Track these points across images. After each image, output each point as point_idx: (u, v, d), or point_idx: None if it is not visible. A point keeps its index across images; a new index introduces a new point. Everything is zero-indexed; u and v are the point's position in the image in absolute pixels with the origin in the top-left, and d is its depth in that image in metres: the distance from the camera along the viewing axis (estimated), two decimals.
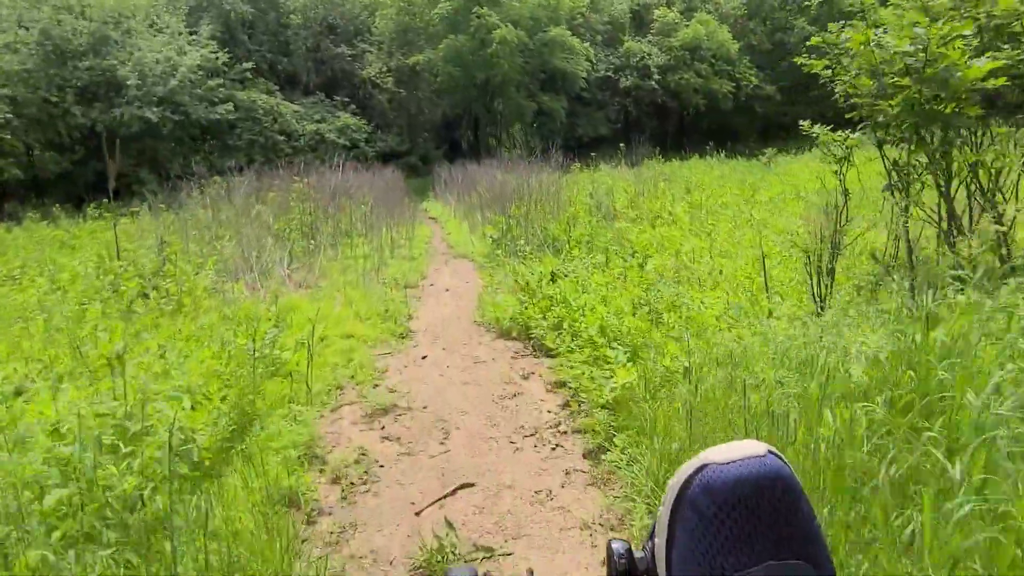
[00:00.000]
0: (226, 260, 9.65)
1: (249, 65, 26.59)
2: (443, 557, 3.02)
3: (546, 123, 29.30)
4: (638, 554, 0.59)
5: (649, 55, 32.44)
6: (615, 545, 0.59)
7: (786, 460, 0.55)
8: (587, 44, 30.43)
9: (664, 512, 0.55)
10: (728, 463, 0.53)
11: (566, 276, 7.18)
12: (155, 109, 23.48)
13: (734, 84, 33.50)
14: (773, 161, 26.24)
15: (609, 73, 31.64)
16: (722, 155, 27.74)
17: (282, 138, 26.45)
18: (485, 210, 14.21)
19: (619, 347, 5.03)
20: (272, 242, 10.44)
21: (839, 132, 5.89)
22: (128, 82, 23.17)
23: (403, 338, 6.64)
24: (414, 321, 7.20)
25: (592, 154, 23.94)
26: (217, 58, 25.55)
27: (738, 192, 17.41)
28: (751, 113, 35.25)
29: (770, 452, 0.54)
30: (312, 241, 10.75)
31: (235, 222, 11.81)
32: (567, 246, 9.21)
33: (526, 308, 6.52)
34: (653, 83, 31.89)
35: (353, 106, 29.15)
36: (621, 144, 23.09)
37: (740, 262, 7.98)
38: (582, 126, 31.03)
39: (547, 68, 28.74)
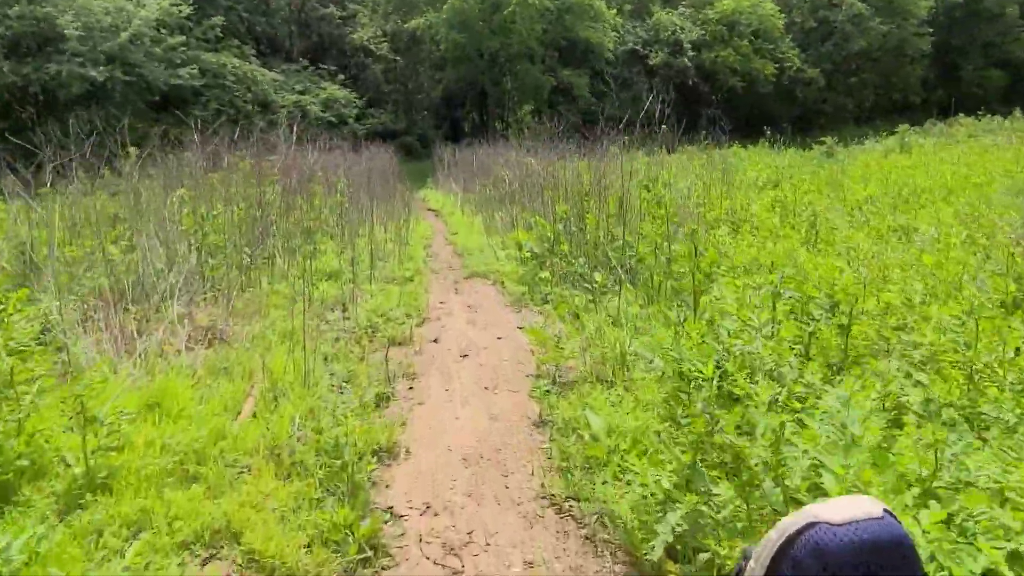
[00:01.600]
0: (97, 282, 5.80)
1: (219, 21, 22.52)
2: None
3: (563, 102, 25.43)
4: None
5: (682, 29, 28.46)
6: None
7: (900, 520, 0.49)
8: (613, 12, 26.46)
9: (758, 568, 0.49)
10: (843, 524, 0.48)
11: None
12: (101, 68, 19.46)
13: (776, 65, 29.57)
14: (833, 151, 22.44)
15: (637, 47, 27.66)
16: (765, 143, 23.99)
17: (256, 109, 22.43)
18: (509, 204, 10.37)
19: None
20: (188, 251, 6.57)
21: None
22: (68, 33, 19.12)
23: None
24: (400, 478, 3.25)
25: (624, 138, 20.05)
26: (180, 12, 21.51)
27: (817, 187, 13.62)
28: (790, 98, 31.37)
29: (886, 512, 0.50)
30: (249, 254, 6.85)
31: (145, 215, 7.94)
32: (663, 277, 5.38)
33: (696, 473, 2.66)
34: (686, 60, 27.94)
35: (342, 77, 25.13)
36: (662, 126, 19.20)
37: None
38: (606, 107, 27.08)
39: (569, 37, 24.77)
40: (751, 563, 0.53)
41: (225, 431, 3.37)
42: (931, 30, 33.60)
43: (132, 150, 9.60)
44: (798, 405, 2.88)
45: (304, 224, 9.26)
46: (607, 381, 3.95)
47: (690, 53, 28.06)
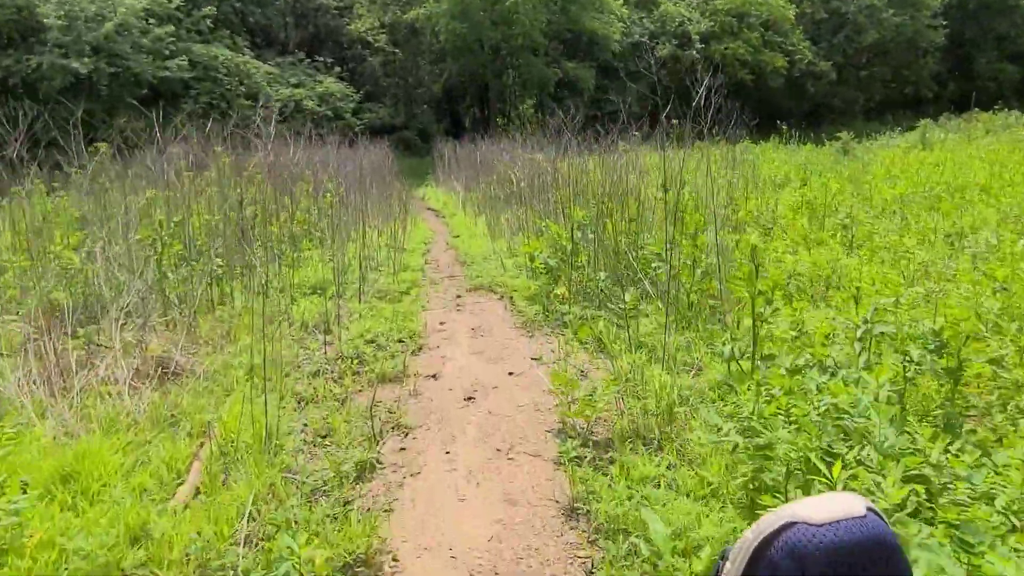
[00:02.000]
0: (42, 300, 4.95)
1: (210, 11, 21.60)
2: None
3: (568, 96, 24.51)
4: None
5: (689, 20, 27.52)
6: None
7: (884, 517, 0.47)
8: (619, 2, 25.53)
9: (733, 570, 0.47)
10: (822, 524, 0.45)
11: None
12: (85, 60, 18.55)
13: (787, 58, 28.64)
14: (849, 147, 21.53)
15: (644, 39, 26.71)
16: (777, 139, 23.06)
17: (248, 103, 21.51)
18: (515, 205, 9.51)
19: None
20: (145, 264, 5.69)
21: None
22: (49, 23, 18.22)
23: None
24: None
25: (634, 133, 19.15)
26: (170, 1, 20.61)
27: (840, 186, 12.78)
28: (800, 92, 30.42)
29: (869, 510, 0.47)
30: (222, 265, 5.97)
31: (112, 219, 7.09)
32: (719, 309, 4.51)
33: None
34: (694, 52, 27.00)
35: (339, 69, 24.21)
36: (675, 121, 18.24)
37: None
38: (611, 100, 26.16)
39: (574, 28, 23.84)
40: (728, 564, 0.50)
41: (150, 525, 2.49)
42: (944, 22, 32.66)
43: (102, 145, 8.71)
44: (953, 515, 2.01)
45: (289, 229, 8.39)
46: (651, 440, 3.08)
47: (698, 45, 27.13)
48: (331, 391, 3.96)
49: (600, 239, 5.94)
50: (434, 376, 4.28)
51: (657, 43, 27.00)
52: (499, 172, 12.19)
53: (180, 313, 5.02)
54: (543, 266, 5.93)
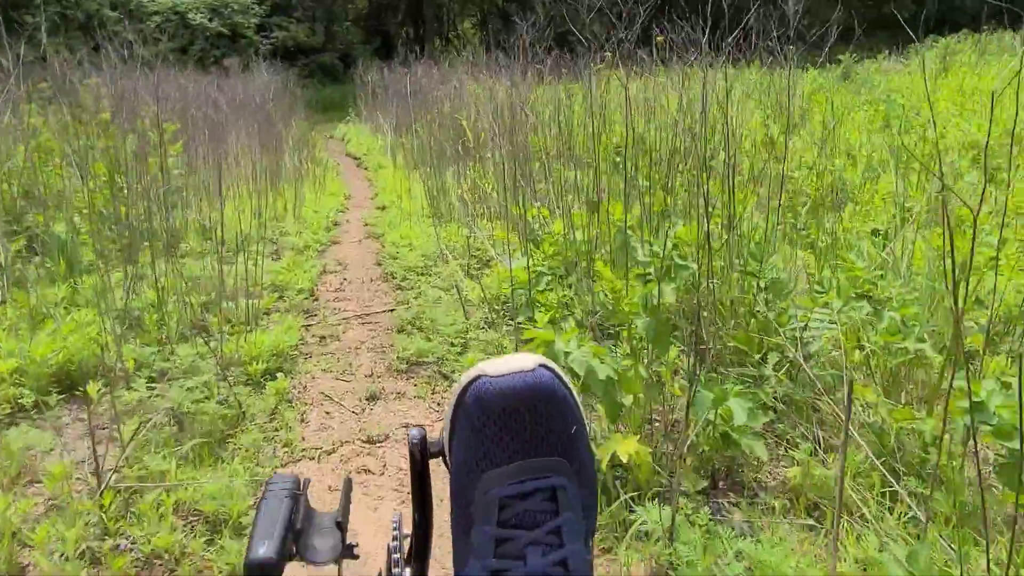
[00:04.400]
0: None
1: None
2: None
3: (515, 14, 20.46)
4: (432, 438, 0.60)
5: None
6: (412, 432, 0.59)
7: (557, 372, 0.57)
8: None
9: (449, 412, 0.58)
10: (498, 376, 0.56)
11: None
12: None
13: None
14: (850, 71, 18.33)
15: None
16: (757, 63, 19.70)
17: (114, 15, 16.82)
18: (470, 162, 6.03)
19: None
20: None
21: None
22: None
23: None
24: None
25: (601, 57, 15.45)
26: None
27: (870, 125, 9.69)
28: (772, 10, 26.93)
29: (540, 366, 0.56)
30: None
31: None
32: None
33: None
34: None
35: None
36: (658, 38, 14.63)
37: None
38: (566, 19, 22.19)
39: None
40: (447, 408, 0.60)
41: None
42: None
43: None
44: None
45: (68, 216, 4.65)
46: None
47: None
48: None
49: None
50: None
51: None
52: (442, 110, 8.48)
53: None
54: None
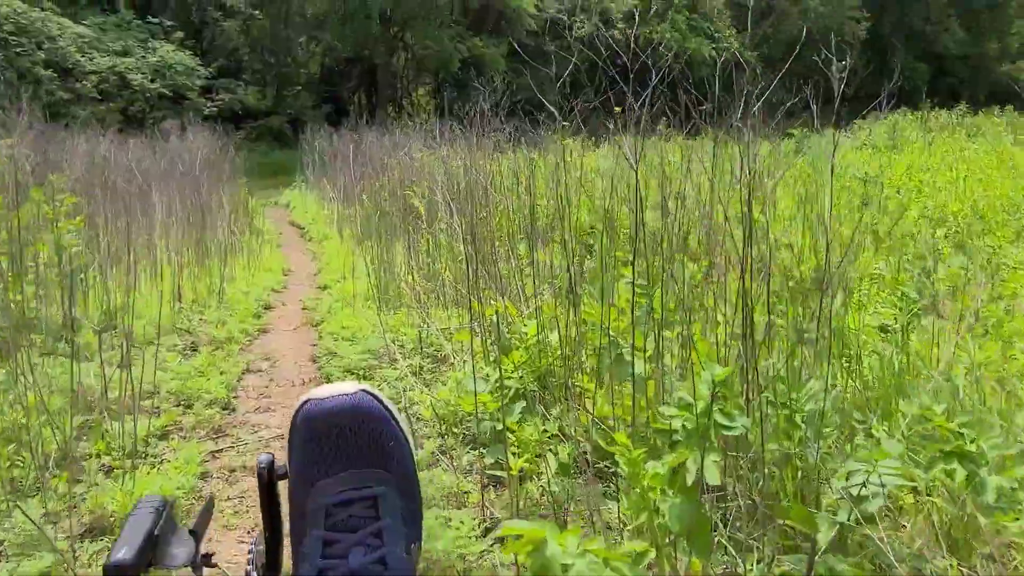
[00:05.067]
0: None
1: None
2: None
3: (473, 80, 20.31)
4: (281, 463, 0.65)
5: None
6: (261, 457, 0.64)
7: (378, 396, 0.63)
8: None
9: (288, 445, 0.64)
10: (323, 398, 0.61)
11: None
12: None
13: (712, 46, 25.69)
14: (802, 145, 18.55)
15: (562, 15, 22.91)
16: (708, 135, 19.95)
17: (48, 73, 15.94)
18: (422, 231, 5.38)
19: None
20: None
21: None
22: None
23: None
24: None
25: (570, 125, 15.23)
26: None
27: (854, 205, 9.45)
28: (727, 85, 27.68)
29: (362, 390, 0.62)
30: None
31: None
32: None
33: None
34: (616, 32, 23.47)
35: (181, 35, 18.88)
36: (619, 110, 14.51)
37: None
38: (524, 87, 22.21)
39: None
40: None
41: None
42: (867, 15, 30.90)
43: None
44: None
45: None
46: None
47: (620, 26, 23.61)
48: None
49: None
50: None
51: (576, 21, 23.25)
52: (392, 179, 7.86)
53: None
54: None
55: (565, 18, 23.18)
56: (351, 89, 24.20)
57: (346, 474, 0.60)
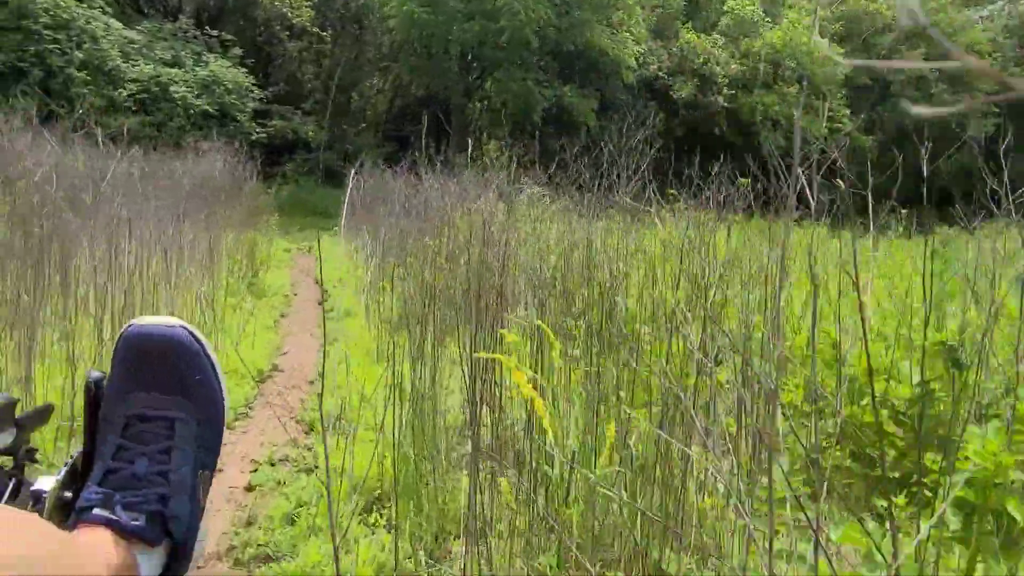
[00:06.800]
0: None
1: None
2: None
3: (555, 132, 17.81)
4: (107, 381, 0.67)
5: (717, 60, 21.41)
6: (90, 372, 0.66)
7: (196, 335, 0.66)
8: (637, 20, 19.24)
9: (113, 361, 0.67)
10: (144, 324, 0.66)
11: None
12: None
13: (827, 125, 22.82)
14: (951, 242, 15.28)
15: (661, 73, 20.43)
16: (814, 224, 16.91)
17: (82, 76, 13.99)
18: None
19: None
20: None
21: None
22: None
23: None
24: None
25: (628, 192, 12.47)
26: None
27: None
28: (837, 171, 24.69)
29: (182, 326, 0.66)
30: None
31: None
32: None
33: None
34: (720, 99, 20.84)
35: (240, 52, 16.97)
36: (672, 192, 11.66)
37: None
38: (611, 142, 19.60)
39: (577, 43, 17.27)
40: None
41: None
42: (997, 110, 27.76)
43: None
44: None
45: None
46: None
47: (726, 91, 21.00)
48: None
49: None
50: None
51: (675, 80, 20.74)
52: (456, 232, 5.06)
53: None
54: None
55: (665, 77, 20.70)
56: (418, 132, 22.00)
57: (150, 395, 0.65)
